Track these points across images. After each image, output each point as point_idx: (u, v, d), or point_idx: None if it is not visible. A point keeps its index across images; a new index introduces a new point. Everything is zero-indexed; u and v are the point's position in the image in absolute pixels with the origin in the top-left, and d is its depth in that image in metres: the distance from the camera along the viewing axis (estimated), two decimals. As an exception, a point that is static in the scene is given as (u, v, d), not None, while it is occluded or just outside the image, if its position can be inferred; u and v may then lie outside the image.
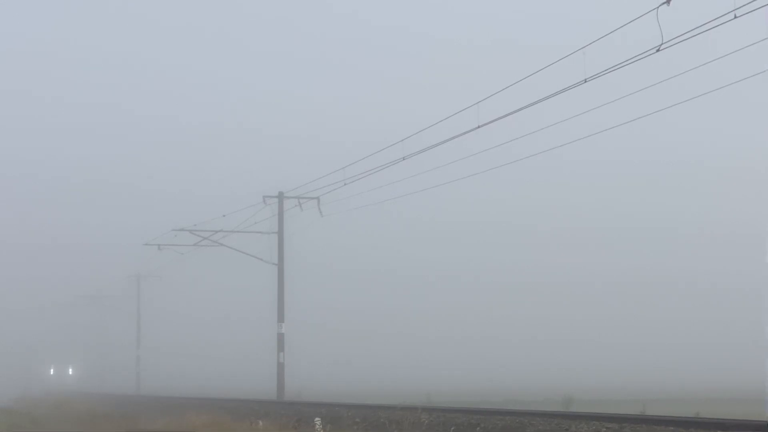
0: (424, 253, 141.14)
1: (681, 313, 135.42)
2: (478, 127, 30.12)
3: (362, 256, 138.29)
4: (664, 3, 21.82)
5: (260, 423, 29.09)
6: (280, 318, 52.84)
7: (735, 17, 20.63)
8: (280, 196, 53.05)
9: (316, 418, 27.37)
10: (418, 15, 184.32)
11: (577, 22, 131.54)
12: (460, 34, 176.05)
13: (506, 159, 36.22)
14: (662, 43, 22.42)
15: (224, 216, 54.37)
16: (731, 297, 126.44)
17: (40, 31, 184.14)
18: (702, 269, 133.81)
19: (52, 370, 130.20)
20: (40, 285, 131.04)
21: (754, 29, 22.04)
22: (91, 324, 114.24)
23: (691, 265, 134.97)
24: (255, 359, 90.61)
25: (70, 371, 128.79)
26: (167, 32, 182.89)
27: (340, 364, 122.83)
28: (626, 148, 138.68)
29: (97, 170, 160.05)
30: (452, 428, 21.09)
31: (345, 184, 42.57)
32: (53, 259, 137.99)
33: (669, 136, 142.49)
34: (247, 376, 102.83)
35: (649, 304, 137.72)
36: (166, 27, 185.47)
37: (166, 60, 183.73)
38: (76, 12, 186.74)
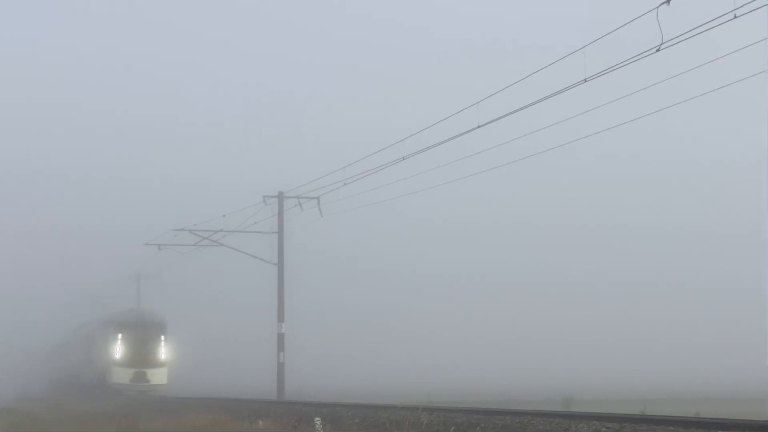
0: (424, 253, 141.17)
1: (681, 313, 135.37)
2: (479, 126, 30.18)
3: (362, 255, 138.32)
4: (664, 3, 21.83)
5: (260, 423, 29.10)
6: (280, 318, 52.94)
7: (735, 17, 20.64)
8: (280, 196, 53.12)
9: (317, 418, 27.38)
10: (418, 14, 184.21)
11: (577, 22, 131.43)
12: (460, 34, 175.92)
13: (506, 159, 36.29)
14: (662, 43, 22.44)
15: (224, 216, 54.48)
16: (732, 296, 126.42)
17: (40, 32, 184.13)
18: (702, 269, 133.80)
19: None
20: (39, 285, 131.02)
21: (754, 29, 22.05)
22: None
23: (691, 264, 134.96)
24: (255, 359, 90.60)
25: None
26: (167, 31, 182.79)
27: (341, 360, 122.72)
28: (626, 148, 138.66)
29: (97, 170, 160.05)
30: (452, 428, 21.10)
31: (345, 184, 42.68)
32: (53, 259, 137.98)
33: (669, 136, 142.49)
34: (247, 375, 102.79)
35: (649, 304, 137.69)
36: (167, 26, 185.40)
37: (166, 59, 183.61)
38: (74, 12, 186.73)
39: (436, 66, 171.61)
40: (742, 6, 20.44)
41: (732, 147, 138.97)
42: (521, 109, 28.12)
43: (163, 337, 62.16)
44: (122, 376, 60.19)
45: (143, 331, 61.78)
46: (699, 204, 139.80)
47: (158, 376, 61.02)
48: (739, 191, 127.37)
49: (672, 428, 17.24)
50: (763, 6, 20.30)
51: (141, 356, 60.88)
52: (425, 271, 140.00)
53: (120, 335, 61.21)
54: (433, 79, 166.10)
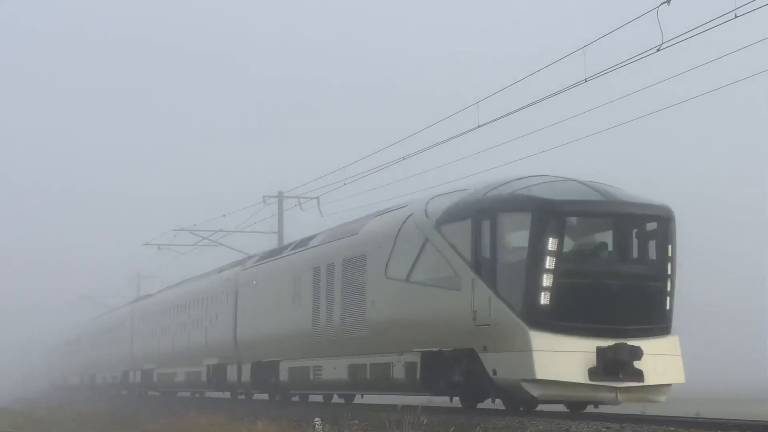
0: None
1: (681, 313, 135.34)
2: (479, 126, 30.16)
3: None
4: (664, 3, 21.81)
5: (259, 424, 29.03)
6: (280, 318, 52.63)
7: (736, 17, 20.61)
8: (280, 196, 53.10)
9: (317, 419, 27.31)
10: (420, 17, 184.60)
11: (577, 22, 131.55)
12: (462, 35, 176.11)
13: (506, 159, 36.28)
14: (662, 43, 22.41)
15: (224, 216, 54.49)
16: (732, 297, 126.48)
17: (42, 35, 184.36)
18: (702, 269, 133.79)
19: None
20: (39, 285, 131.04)
21: (754, 29, 22.05)
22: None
23: (692, 264, 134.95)
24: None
25: None
26: (169, 32, 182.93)
27: None
28: (626, 148, 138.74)
29: (97, 170, 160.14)
30: (452, 429, 21.05)
31: (345, 184, 42.61)
32: (52, 259, 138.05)
33: (669, 136, 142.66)
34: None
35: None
36: (168, 26, 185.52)
37: (167, 60, 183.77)
38: (78, 17, 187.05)
39: (438, 66, 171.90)
40: (742, 5, 20.42)
41: (732, 147, 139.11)
42: (521, 109, 28.11)
43: (670, 253, 22.16)
44: (556, 364, 20.51)
45: (623, 234, 21.95)
46: (698, 205, 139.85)
47: (668, 365, 21.64)
48: (738, 191, 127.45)
49: (673, 428, 17.22)
50: (764, 6, 20.28)
51: (621, 304, 21.39)
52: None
53: (551, 244, 20.96)
54: (434, 80, 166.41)
